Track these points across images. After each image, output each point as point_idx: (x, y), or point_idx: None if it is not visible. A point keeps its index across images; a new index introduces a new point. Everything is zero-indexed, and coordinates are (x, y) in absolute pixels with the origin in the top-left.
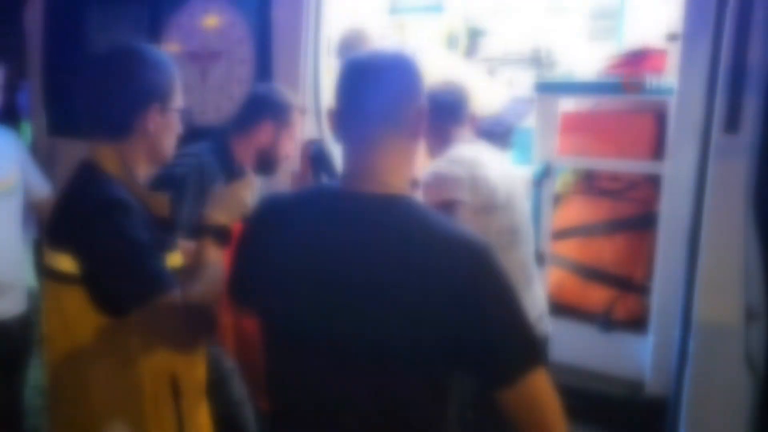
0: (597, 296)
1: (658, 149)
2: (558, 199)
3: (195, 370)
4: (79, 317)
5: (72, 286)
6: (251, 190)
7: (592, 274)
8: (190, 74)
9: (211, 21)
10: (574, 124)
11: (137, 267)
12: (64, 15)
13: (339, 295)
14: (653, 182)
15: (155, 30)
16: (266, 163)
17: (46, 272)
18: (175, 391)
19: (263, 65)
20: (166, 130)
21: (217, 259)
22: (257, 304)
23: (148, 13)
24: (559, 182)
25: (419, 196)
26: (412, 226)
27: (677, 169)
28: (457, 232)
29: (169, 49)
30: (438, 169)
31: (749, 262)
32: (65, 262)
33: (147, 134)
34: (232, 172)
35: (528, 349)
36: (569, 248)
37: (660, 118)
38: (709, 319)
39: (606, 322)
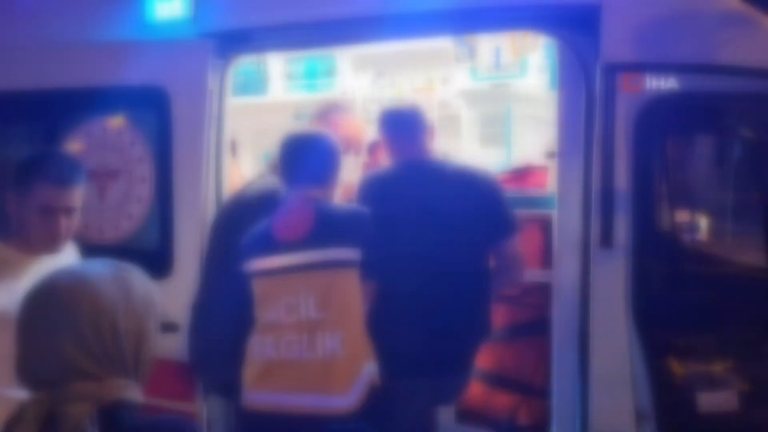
0: (501, 402)
1: (545, 258)
2: None
3: None
4: (354, 289)
5: (350, 269)
6: None
7: (496, 379)
8: (86, 192)
9: (110, 139)
10: None
11: None
12: None
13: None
14: (545, 289)
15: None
16: None
17: (320, 266)
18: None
19: (163, 183)
20: None
21: None
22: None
23: (42, 130)
24: None
25: None
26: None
27: (563, 279)
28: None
29: None
30: None
31: (635, 366)
32: (344, 252)
33: None
34: None
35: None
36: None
37: (546, 229)
38: (604, 422)
39: (510, 427)
